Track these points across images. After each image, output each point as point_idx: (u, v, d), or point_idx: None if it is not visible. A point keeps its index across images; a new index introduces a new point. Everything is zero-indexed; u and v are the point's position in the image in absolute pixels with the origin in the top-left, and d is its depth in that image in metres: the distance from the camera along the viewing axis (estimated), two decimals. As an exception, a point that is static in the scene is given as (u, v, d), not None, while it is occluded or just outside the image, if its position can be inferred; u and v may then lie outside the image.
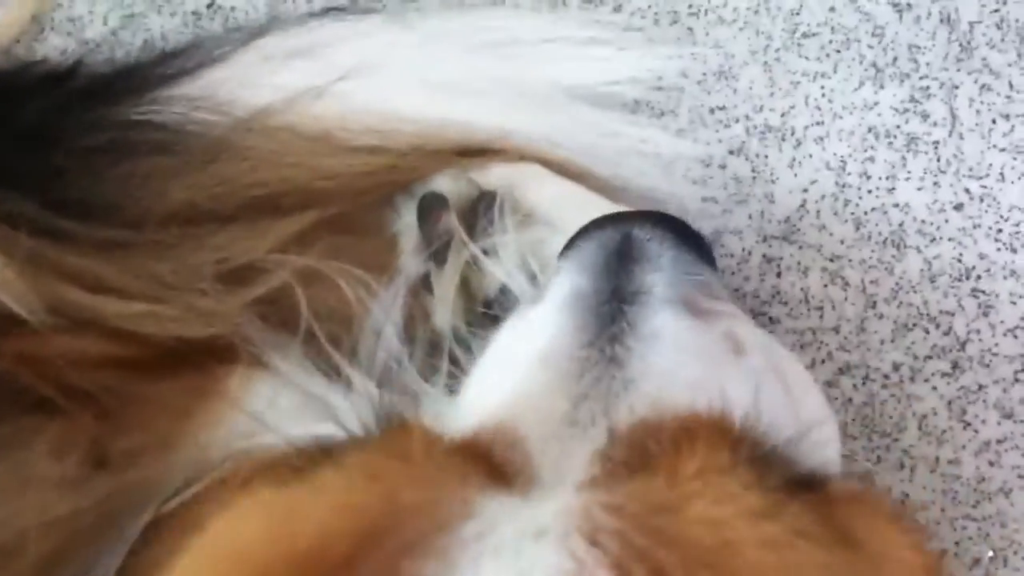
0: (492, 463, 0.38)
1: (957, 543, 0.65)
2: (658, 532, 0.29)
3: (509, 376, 0.43)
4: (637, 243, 0.47)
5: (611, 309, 0.44)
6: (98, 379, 0.60)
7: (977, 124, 0.70)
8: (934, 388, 0.67)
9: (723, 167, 0.71)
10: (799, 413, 0.50)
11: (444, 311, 0.66)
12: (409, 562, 0.29)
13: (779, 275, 0.70)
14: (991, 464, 0.65)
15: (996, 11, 0.72)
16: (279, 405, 0.65)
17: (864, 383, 0.67)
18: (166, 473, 0.60)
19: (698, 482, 0.32)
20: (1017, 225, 0.69)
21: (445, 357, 0.65)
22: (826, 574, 0.30)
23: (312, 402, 0.65)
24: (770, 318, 0.68)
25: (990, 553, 0.64)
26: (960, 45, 0.71)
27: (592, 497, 0.31)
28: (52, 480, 0.55)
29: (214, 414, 0.64)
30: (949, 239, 0.69)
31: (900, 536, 0.34)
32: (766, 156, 0.71)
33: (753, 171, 0.71)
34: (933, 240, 0.69)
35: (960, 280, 0.69)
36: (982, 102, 0.71)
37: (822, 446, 0.57)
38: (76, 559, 0.55)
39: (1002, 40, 0.71)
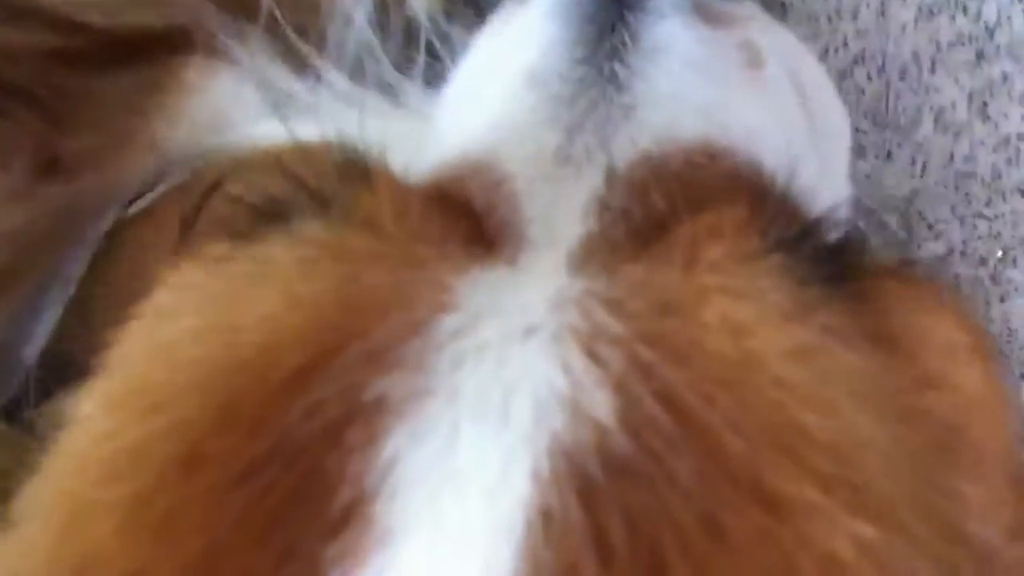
0: (472, 213, 0.33)
1: (965, 242, 0.62)
2: (667, 341, 0.24)
3: (491, 97, 0.37)
4: None
5: (610, 15, 0.37)
6: (41, 75, 0.55)
7: None
8: (955, 79, 0.62)
9: None
10: (816, 126, 0.46)
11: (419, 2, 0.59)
12: (375, 377, 0.24)
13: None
14: (1009, 162, 0.62)
15: None
16: (243, 100, 0.61)
17: (880, 73, 0.62)
18: (124, 175, 0.56)
19: (717, 272, 0.27)
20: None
21: (422, 48, 0.60)
22: (858, 382, 0.25)
23: (279, 97, 0.61)
24: (783, 3, 0.62)
25: (999, 252, 0.62)
26: None
27: (589, 286, 0.26)
28: (1, 192, 0.51)
29: (172, 109, 0.59)
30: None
31: (940, 317, 0.30)
32: None
33: None
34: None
35: (992, -43, 0.63)
36: None
37: (835, 159, 0.53)
38: (35, 268, 0.52)
39: None
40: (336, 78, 0.60)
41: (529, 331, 0.25)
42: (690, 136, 0.35)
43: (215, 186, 0.51)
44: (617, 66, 0.36)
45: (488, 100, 0.38)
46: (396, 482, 0.22)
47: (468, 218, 0.33)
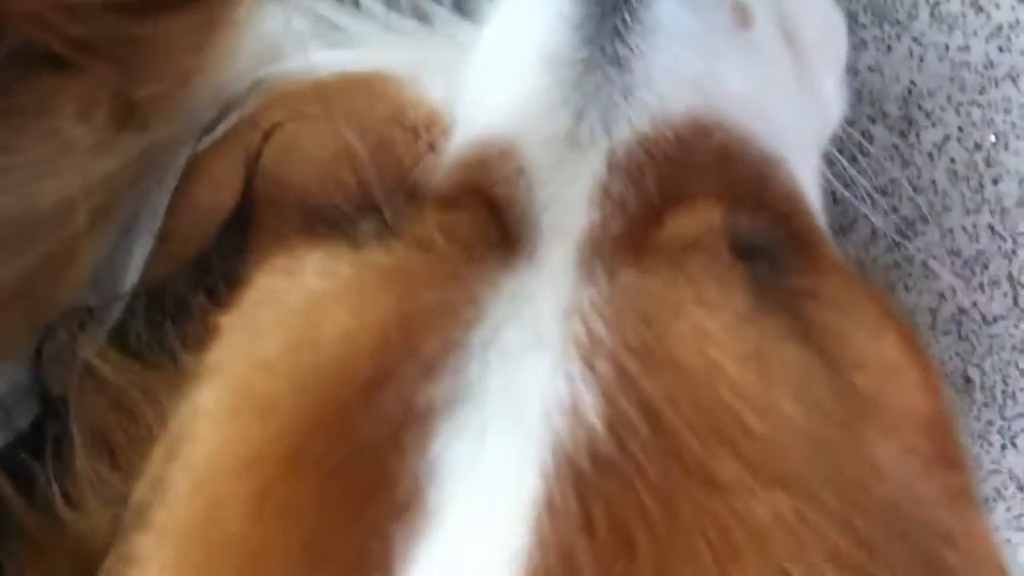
0: (495, 205, 0.38)
1: (960, 128, 0.67)
2: (648, 353, 0.30)
3: (510, 78, 0.42)
4: None
5: None
6: (106, 27, 0.60)
7: None
8: (950, -27, 0.65)
9: None
10: (806, 60, 0.50)
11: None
12: (424, 387, 0.30)
13: None
14: (1001, 50, 0.66)
15: None
16: (292, 29, 0.65)
17: (879, -29, 0.66)
18: (193, 112, 0.61)
19: (692, 284, 0.33)
20: None
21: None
22: (797, 378, 0.31)
23: (323, 26, 0.65)
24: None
25: (992, 138, 0.66)
26: None
27: (591, 295, 0.32)
28: (85, 146, 0.56)
29: (228, 45, 0.64)
30: None
31: (868, 306, 0.35)
32: None
33: None
34: None
35: None
36: None
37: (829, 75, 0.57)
38: (123, 209, 0.58)
39: None
40: (373, 4, 0.64)
41: (541, 342, 0.32)
42: (682, 112, 0.39)
43: (273, 129, 0.56)
44: (619, 46, 0.40)
45: (507, 80, 0.42)
46: (440, 475, 0.29)
47: (492, 211, 0.38)
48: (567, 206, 0.39)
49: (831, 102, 0.60)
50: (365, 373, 0.32)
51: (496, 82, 0.45)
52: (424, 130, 0.60)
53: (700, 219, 0.36)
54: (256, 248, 0.58)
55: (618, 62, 0.41)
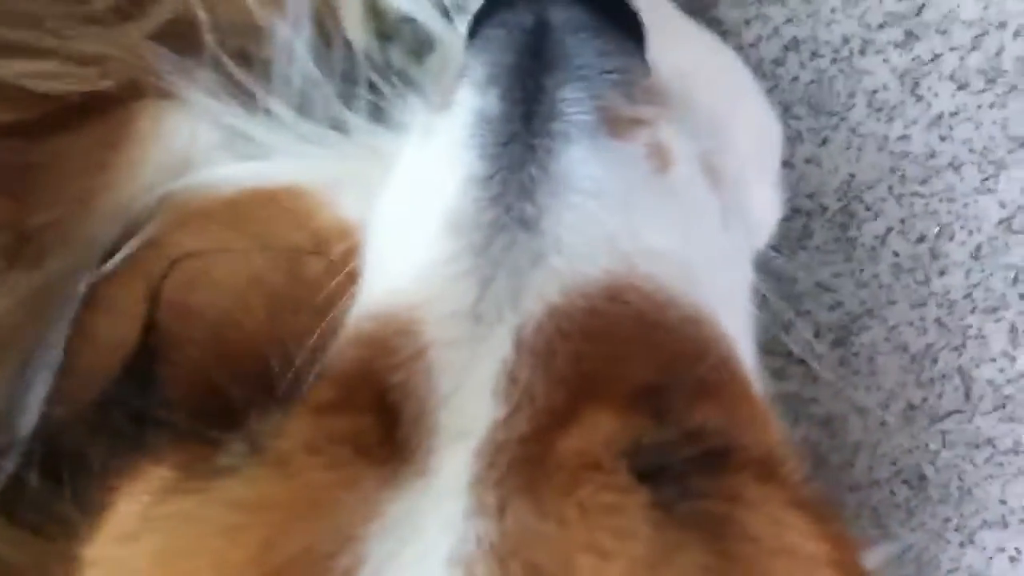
0: (387, 406, 0.35)
1: (903, 220, 0.65)
2: None
3: (413, 244, 0.40)
4: (550, 39, 0.41)
5: (520, 145, 0.39)
6: None
7: None
8: (885, 60, 0.64)
9: None
10: (739, 200, 0.47)
11: (355, 30, 0.60)
12: None
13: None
14: (942, 139, 0.63)
15: None
16: (200, 141, 0.62)
17: (812, 59, 0.63)
18: (94, 237, 0.58)
19: (586, 523, 0.30)
20: None
21: (362, 81, 0.61)
22: None
23: (233, 136, 0.62)
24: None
25: (936, 229, 0.64)
26: None
27: (479, 533, 0.29)
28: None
29: (129, 160, 0.61)
30: None
31: (792, 523, 0.33)
32: None
33: None
34: None
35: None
36: None
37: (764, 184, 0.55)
38: (17, 349, 0.55)
39: None
40: (285, 113, 0.61)
41: None
42: (594, 277, 0.37)
43: (179, 259, 0.53)
44: (527, 205, 0.38)
45: (410, 244, 0.40)
46: None
47: (382, 411, 0.35)
48: (469, 398, 0.36)
49: (766, 209, 0.57)
50: None
51: (397, 246, 0.42)
52: (338, 252, 0.57)
53: (599, 433, 0.33)
54: (163, 386, 0.55)
55: (526, 223, 0.39)
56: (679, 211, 0.41)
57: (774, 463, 0.37)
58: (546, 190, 0.38)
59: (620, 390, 0.35)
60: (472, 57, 0.42)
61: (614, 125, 0.40)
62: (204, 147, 0.63)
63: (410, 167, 0.43)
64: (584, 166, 0.39)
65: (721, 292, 0.41)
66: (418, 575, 0.29)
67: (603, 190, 0.39)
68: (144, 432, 0.51)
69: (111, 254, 0.59)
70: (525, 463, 0.32)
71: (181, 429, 0.49)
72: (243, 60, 0.64)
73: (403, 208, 0.42)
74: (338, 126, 0.63)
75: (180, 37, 0.63)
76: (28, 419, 0.56)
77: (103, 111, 0.61)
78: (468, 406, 0.35)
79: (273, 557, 0.30)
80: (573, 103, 0.40)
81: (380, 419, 0.35)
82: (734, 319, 0.42)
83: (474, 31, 0.43)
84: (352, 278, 0.47)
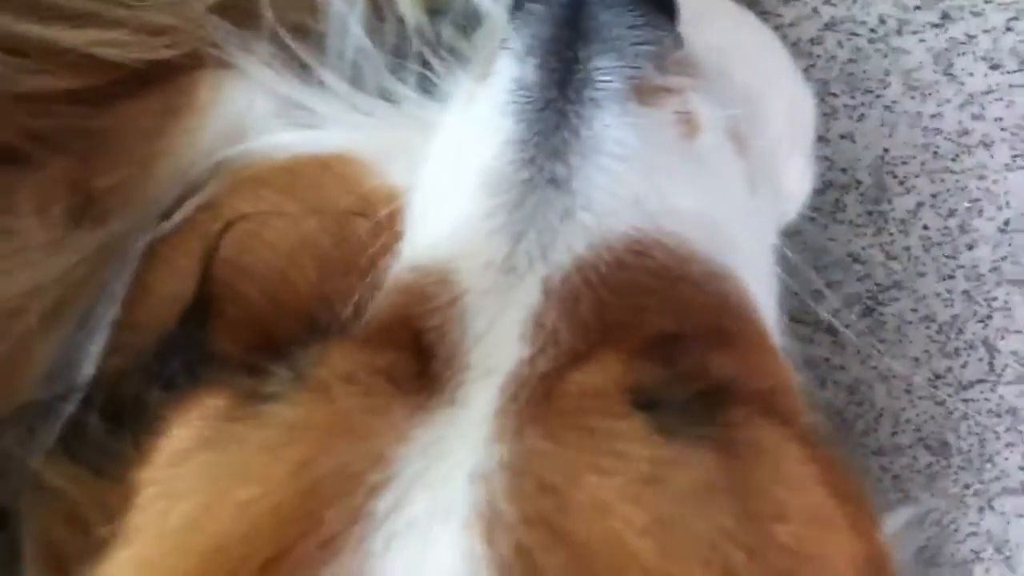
0: (421, 344, 0.38)
1: (934, 195, 0.66)
2: (546, 525, 0.30)
3: (452, 201, 0.42)
4: (586, 13, 0.43)
5: (555, 112, 0.41)
6: (64, 118, 0.59)
7: None
8: (922, 40, 0.65)
9: None
10: (767, 172, 0.49)
11: (406, 5, 0.62)
12: (325, 564, 0.30)
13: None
14: (974, 117, 0.65)
15: None
16: (256, 109, 0.65)
17: (850, 38, 0.65)
18: (154, 199, 0.60)
19: (588, 445, 0.32)
20: None
21: (413, 54, 0.63)
22: (709, 544, 0.31)
23: (288, 106, 0.64)
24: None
25: (966, 204, 0.65)
26: None
27: (500, 458, 0.32)
28: (40, 243, 0.56)
29: (189, 126, 0.63)
30: None
31: (791, 451, 0.35)
32: None
33: None
34: None
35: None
36: None
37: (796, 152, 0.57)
38: (80, 302, 0.57)
39: None
40: (338, 84, 0.63)
41: (446, 511, 0.31)
42: (620, 233, 0.39)
43: (233, 221, 0.56)
44: (558, 166, 0.40)
45: (448, 202, 0.43)
46: None
47: (418, 349, 0.38)
48: (498, 340, 0.39)
49: (798, 181, 0.59)
50: (264, 552, 0.32)
51: (438, 204, 0.45)
52: (386, 216, 0.59)
53: (609, 372, 0.35)
54: (217, 336, 0.58)
55: (556, 183, 0.41)
56: (705, 174, 0.43)
57: (777, 400, 0.39)
58: (577, 152, 0.41)
59: (637, 336, 0.37)
60: (513, 30, 0.44)
61: (644, 93, 0.43)
62: (260, 116, 0.66)
63: (452, 131, 0.46)
64: (614, 131, 0.41)
65: (744, 252, 0.44)
66: (442, 490, 0.32)
67: (631, 153, 0.41)
68: (198, 379, 0.55)
69: (169, 215, 0.63)
70: (542, 396, 0.35)
71: (234, 363, 0.52)
72: (299, 33, 0.67)
73: (445, 169, 0.45)
74: (388, 97, 0.65)
75: (240, 11, 0.65)
76: (88, 368, 0.60)
77: (165, 79, 0.64)
78: (497, 347, 0.38)
79: (311, 473, 0.32)
80: (605, 72, 0.42)
81: (415, 356, 0.38)
82: (756, 277, 0.44)
83: (517, 4, 0.45)
84: (397, 238, 0.50)
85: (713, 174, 0.44)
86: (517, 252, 0.40)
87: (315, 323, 0.52)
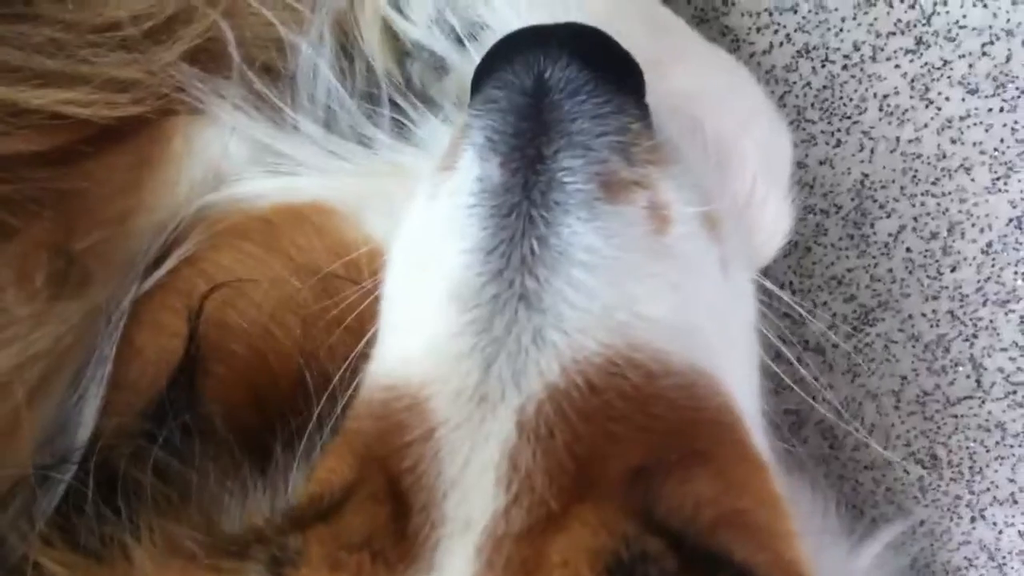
0: (396, 482, 0.38)
1: (916, 218, 0.66)
2: None
3: (422, 317, 0.41)
4: (548, 101, 0.42)
5: (520, 217, 0.40)
6: (33, 182, 0.59)
7: None
8: (896, 66, 0.64)
9: None
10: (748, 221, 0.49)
11: (374, 49, 0.61)
12: None
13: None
14: (953, 142, 0.64)
15: None
16: (231, 156, 0.64)
17: (824, 65, 0.65)
18: (134, 252, 0.60)
19: None
20: None
21: (385, 98, 0.62)
22: None
23: (263, 151, 0.64)
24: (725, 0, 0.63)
25: (947, 227, 0.65)
26: None
27: None
28: (25, 318, 0.56)
29: (165, 178, 0.63)
30: None
31: None
32: None
33: None
34: None
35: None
36: None
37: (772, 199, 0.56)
38: (70, 369, 0.58)
39: None
40: (313, 129, 0.63)
41: None
42: (592, 351, 0.39)
43: (215, 288, 0.56)
44: (528, 280, 0.39)
45: (419, 315, 0.42)
46: None
47: (395, 502, 0.38)
48: (473, 485, 0.38)
49: (776, 221, 0.58)
50: None
51: (408, 311, 0.44)
52: (365, 268, 0.59)
53: (585, 543, 0.35)
54: (206, 395, 0.58)
55: (526, 299, 0.40)
56: (676, 272, 0.42)
57: (754, 518, 0.39)
58: (545, 264, 0.40)
59: (612, 478, 0.37)
60: (475, 117, 0.43)
61: (612, 189, 0.41)
62: (235, 162, 0.66)
63: (417, 230, 0.44)
64: (582, 237, 0.40)
65: (720, 348, 0.43)
66: None
67: (600, 261, 0.40)
68: (191, 442, 0.55)
69: (152, 269, 0.63)
70: (519, 566, 0.35)
71: (221, 439, 0.52)
72: (269, 75, 0.66)
73: (412, 273, 0.44)
74: (363, 142, 0.65)
75: (209, 55, 0.65)
76: (84, 431, 0.60)
77: (137, 131, 0.63)
78: (472, 494, 0.37)
79: None
80: (571, 172, 0.41)
81: (393, 509, 0.38)
82: (735, 366, 0.44)
83: (476, 85, 0.44)
84: (378, 301, 0.50)
85: (686, 268, 0.43)
86: (489, 379, 0.39)
87: (305, 391, 0.52)
